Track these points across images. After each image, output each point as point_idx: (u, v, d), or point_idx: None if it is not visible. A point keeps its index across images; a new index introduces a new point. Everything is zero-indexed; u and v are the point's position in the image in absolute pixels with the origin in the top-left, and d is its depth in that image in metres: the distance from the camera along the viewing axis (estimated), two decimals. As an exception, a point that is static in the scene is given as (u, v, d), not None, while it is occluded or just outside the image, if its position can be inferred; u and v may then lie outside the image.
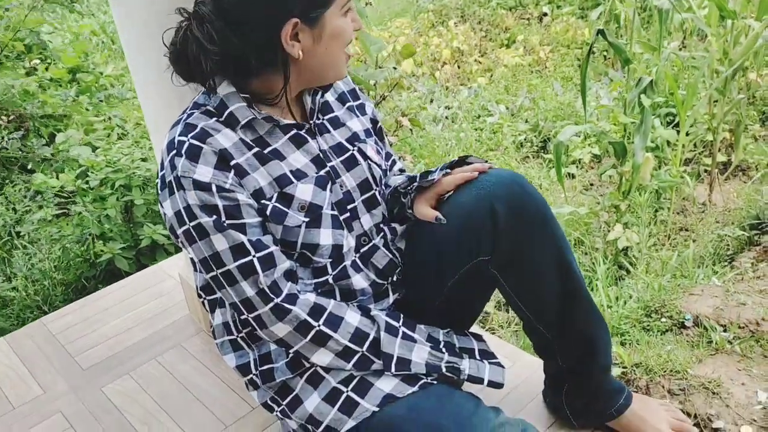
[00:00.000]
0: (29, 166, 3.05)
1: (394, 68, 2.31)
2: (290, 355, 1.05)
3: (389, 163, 1.25)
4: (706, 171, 3.17)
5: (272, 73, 0.99)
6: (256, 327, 1.00)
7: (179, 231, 0.98)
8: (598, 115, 3.12)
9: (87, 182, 2.64)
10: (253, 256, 0.97)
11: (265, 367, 1.07)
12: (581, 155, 3.46)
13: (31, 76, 2.83)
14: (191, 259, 1.05)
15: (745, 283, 2.11)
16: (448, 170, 1.10)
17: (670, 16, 2.72)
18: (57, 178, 2.95)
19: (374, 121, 1.22)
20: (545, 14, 5.50)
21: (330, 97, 1.15)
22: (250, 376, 1.09)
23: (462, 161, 1.11)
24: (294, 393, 1.05)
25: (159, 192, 1.01)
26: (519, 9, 5.72)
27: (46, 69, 3.08)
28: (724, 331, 1.83)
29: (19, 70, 2.75)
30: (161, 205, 1.01)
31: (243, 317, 1.01)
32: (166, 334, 1.76)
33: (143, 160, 2.69)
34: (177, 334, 1.75)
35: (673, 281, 2.20)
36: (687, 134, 3.18)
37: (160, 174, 1.01)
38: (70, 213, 2.75)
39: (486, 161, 1.09)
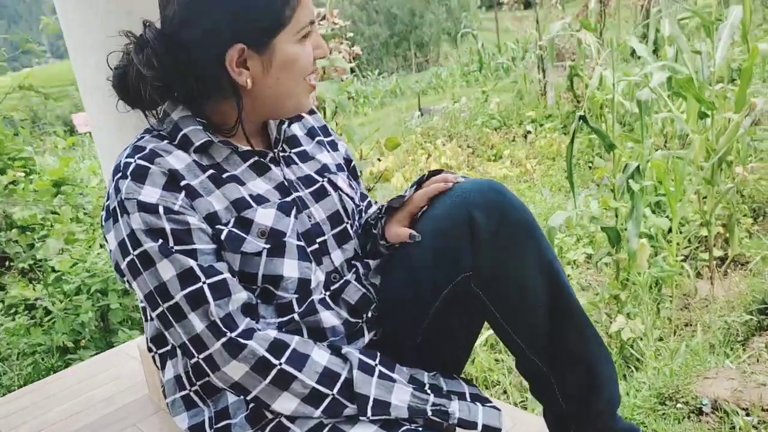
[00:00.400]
0: (5, 279, 2.95)
1: (379, 160, 2.29)
2: (250, 407, 0.90)
3: (365, 204, 1.16)
4: (706, 266, 3.09)
5: (225, 102, 0.94)
6: (209, 371, 0.86)
7: (123, 265, 0.87)
8: (590, 215, 3.09)
9: (60, 287, 2.53)
10: (203, 283, 0.85)
11: (221, 424, 0.91)
12: (575, 256, 3.39)
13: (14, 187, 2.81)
14: (141, 306, 0.94)
15: (761, 364, 1.96)
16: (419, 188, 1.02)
17: (650, 107, 2.78)
18: (33, 289, 2.85)
19: (348, 160, 1.15)
20: (529, 132, 5.67)
21: (299, 131, 1.09)
22: None
23: (433, 175, 1.03)
24: None
25: (103, 224, 0.91)
26: (503, 128, 5.92)
27: (30, 182, 3.07)
28: (747, 415, 1.67)
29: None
30: (106, 240, 0.91)
31: (194, 361, 0.87)
32: (120, 415, 1.61)
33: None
34: (133, 415, 1.60)
35: (685, 367, 2.04)
36: (680, 231, 3.15)
37: (104, 204, 0.92)
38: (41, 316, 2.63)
39: (462, 176, 1.01)
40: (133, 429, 1.54)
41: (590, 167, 4.66)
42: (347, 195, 1.04)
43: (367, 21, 21.27)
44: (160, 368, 0.99)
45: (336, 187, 1.03)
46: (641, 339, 2.40)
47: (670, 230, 3.03)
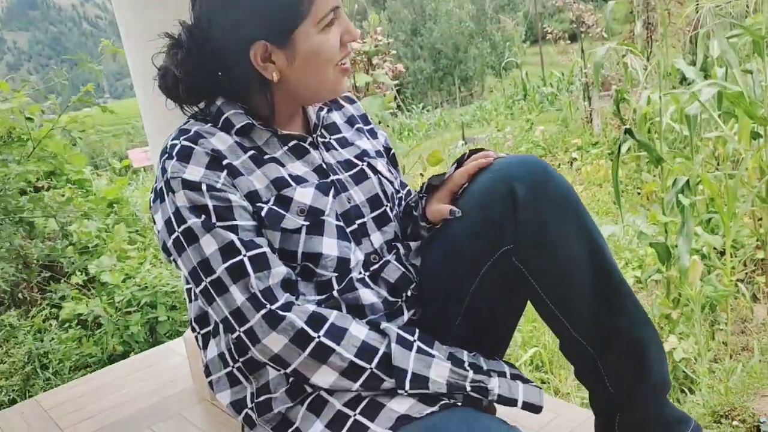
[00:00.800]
0: (58, 293, 3.04)
1: (421, 174, 2.30)
2: (290, 382, 0.91)
3: (404, 192, 1.17)
4: (764, 289, 2.97)
5: (258, 96, 0.97)
6: (250, 344, 0.87)
7: (170, 243, 0.91)
8: (638, 231, 3.02)
9: (112, 299, 2.60)
10: (244, 255, 0.87)
11: (262, 398, 0.92)
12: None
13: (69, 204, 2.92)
14: (186, 288, 0.96)
15: (825, 381, 1.86)
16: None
17: (700, 125, 2.73)
18: (87, 304, 2.93)
19: (387, 148, 1.16)
20: (575, 159, 5.61)
21: (338, 118, 1.11)
22: (245, 411, 0.94)
23: (474, 153, 1.03)
24: (294, 426, 0.89)
25: (151, 205, 0.95)
26: (549, 156, 5.87)
27: (87, 201, 3.19)
28: (810, 432, 1.58)
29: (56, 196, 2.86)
30: (154, 220, 0.94)
31: (235, 336, 0.88)
32: (165, 405, 1.69)
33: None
34: (176, 405, 1.67)
35: (741, 386, 1.95)
36: (734, 255, 3.05)
37: (152, 187, 0.95)
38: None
39: (504, 154, 1.01)
40: (177, 418, 1.60)
41: (639, 193, 4.57)
42: (386, 179, 1.05)
43: (412, 56, 21.57)
44: (203, 348, 1.01)
45: (375, 171, 1.04)
46: (695, 361, 2.32)
47: (723, 253, 2.93)
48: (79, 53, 2.31)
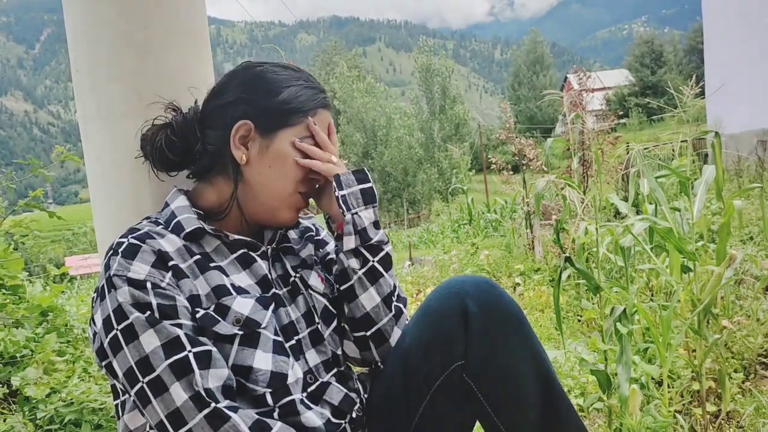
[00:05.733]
0: (-25, 408, 2.83)
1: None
2: None
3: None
4: (700, 421, 3.01)
5: (224, 181, 1.01)
6: None
7: (106, 343, 0.88)
8: (578, 358, 3.07)
9: (34, 416, 2.43)
10: (189, 351, 0.86)
11: None
12: (567, 407, 3.31)
13: None
14: (115, 404, 0.93)
15: None
16: None
17: (634, 257, 2.86)
18: (4, 421, 2.72)
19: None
20: (518, 284, 5.74)
21: (293, 233, 1.15)
22: None
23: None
24: None
25: (92, 306, 0.94)
26: (493, 279, 5.99)
27: (18, 306, 3.05)
28: None
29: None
30: (93, 323, 0.92)
31: None
32: None
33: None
34: None
35: None
36: (671, 386, 3.11)
37: (95, 287, 0.95)
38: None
39: None
40: None
41: (579, 320, 4.66)
42: (317, 293, 1.07)
43: (362, 178, 22.17)
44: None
45: (306, 285, 1.07)
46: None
47: (660, 383, 2.99)
48: (31, 158, 2.30)
